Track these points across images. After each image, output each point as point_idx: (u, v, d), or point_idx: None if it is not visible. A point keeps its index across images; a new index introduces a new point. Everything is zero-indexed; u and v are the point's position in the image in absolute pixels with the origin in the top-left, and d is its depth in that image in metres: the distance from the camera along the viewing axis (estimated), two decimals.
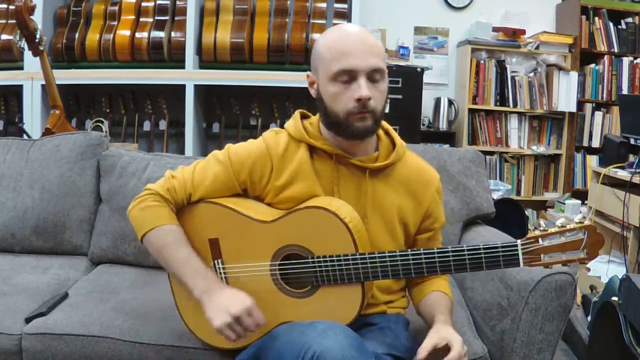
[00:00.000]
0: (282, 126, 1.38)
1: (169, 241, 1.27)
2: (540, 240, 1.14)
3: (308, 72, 1.31)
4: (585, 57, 4.00)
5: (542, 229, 1.15)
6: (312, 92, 1.31)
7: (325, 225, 1.20)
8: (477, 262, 1.17)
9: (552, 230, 1.14)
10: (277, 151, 1.30)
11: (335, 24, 3.60)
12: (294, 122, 1.34)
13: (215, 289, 1.22)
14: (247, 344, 1.29)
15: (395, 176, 1.34)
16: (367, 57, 1.19)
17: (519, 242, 1.15)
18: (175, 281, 1.35)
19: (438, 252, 1.18)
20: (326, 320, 1.13)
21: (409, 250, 1.21)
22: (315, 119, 1.36)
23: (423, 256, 1.18)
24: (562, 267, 1.25)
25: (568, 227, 1.13)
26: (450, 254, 1.18)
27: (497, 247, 1.16)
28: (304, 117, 1.38)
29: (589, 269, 2.66)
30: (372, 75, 1.20)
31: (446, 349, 1.17)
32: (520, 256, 1.15)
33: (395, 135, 1.37)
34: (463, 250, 1.17)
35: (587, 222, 1.13)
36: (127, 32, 3.56)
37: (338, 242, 1.20)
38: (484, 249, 1.16)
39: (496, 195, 3.15)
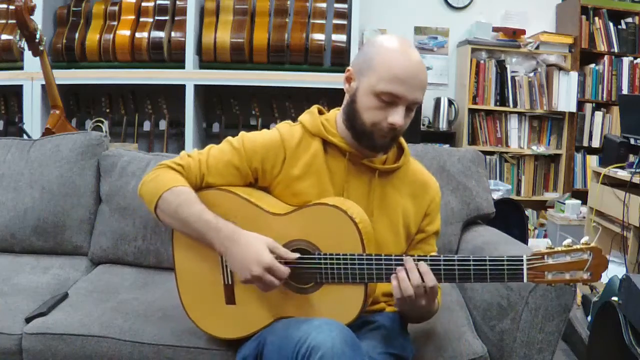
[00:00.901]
0: None
1: (181, 201, 1.26)
2: (545, 257, 1.15)
3: (349, 67, 1.30)
4: (585, 57, 4.00)
5: (548, 246, 1.16)
6: (346, 87, 1.31)
7: (336, 223, 1.22)
8: (482, 273, 1.17)
9: (559, 248, 1.15)
10: (291, 142, 1.32)
11: (335, 24, 3.67)
12: (311, 117, 1.36)
13: (231, 241, 1.21)
14: (248, 336, 1.30)
15: (400, 178, 1.37)
16: (415, 90, 1.22)
17: (524, 257, 1.16)
18: (179, 269, 1.35)
19: (444, 260, 1.18)
20: (324, 317, 1.15)
21: (415, 255, 1.21)
22: (331, 115, 1.37)
23: (429, 263, 1.18)
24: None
25: (574, 247, 1.15)
26: (456, 263, 1.18)
27: (502, 261, 1.16)
28: (319, 112, 1.40)
29: None
30: (410, 106, 1.24)
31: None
32: (525, 271, 1.15)
33: (402, 139, 1.39)
34: (469, 261, 1.17)
35: (593, 244, 1.14)
36: (127, 32, 3.56)
37: (346, 241, 1.21)
38: (490, 261, 1.16)
39: (496, 195, 3.15)
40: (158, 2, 3.64)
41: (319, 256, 1.22)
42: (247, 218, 1.27)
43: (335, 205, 1.23)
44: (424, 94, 1.26)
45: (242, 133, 1.36)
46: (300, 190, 1.30)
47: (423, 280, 1.15)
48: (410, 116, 1.26)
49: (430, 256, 1.20)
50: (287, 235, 1.25)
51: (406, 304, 1.18)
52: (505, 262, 1.16)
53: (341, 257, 1.21)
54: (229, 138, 1.36)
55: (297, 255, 1.22)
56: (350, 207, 1.24)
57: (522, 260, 1.15)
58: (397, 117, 1.21)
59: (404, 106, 1.22)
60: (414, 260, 1.18)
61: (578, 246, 1.15)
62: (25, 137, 2.62)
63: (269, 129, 1.39)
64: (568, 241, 1.16)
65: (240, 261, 1.19)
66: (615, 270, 2.49)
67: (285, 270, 1.19)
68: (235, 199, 1.29)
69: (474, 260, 1.17)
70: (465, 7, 4.15)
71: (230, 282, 1.30)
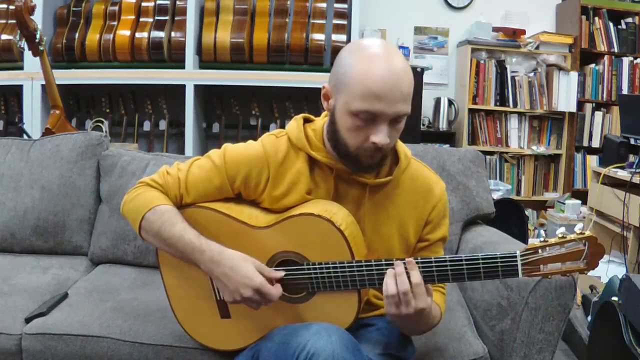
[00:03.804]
0: (282, 126, 1.34)
1: (163, 220, 1.22)
2: (540, 250, 1.12)
3: (325, 84, 1.21)
4: (585, 57, 4.01)
5: (542, 239, 1.13)
6: (325, 105, 1.21)
7: (321, 232, 1.17)
8: (475, 272, 1.14)
9: (553, 240, 1.12)
10: (275, 158, 1.25)
11: (335, 24, 3.67)
12: (296, 129, 1.27)
13: (217, 264, 1.18)
14: (245, 346, 1.29)
15: (397, 188, 1.28)
16: (396, 104, 1.10)
17: (518, 252, 1.13)
18: (168, 285, 1.34)
19: (436, 261, 1.15)
20: (321, 322, 1.12)
21: (406, 258, 1.16)
22: (319, 125, 1.28)
23: (420, 265, 1.14)
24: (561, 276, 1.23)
25: (568, 237, 1.11)
26: (448, 263, 1.14)
27: (495, 258, 1.13)
28: (307, 120, 1.31)
29: None
30: (396, 119, 1.14)
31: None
32: (519, 267, 1.12)
33: (399, 145, 1.29)
34: (461, 260, 1.14)
35: (588, 233, 1.11)
36: (127, 32, 3.57)
37: (334, 249, 1.18)
38: (483, 259, 1.13)
39: (496, 195, 3.15)
40: (158, 2, 3.65)
41: (308, 266, 1.20)
42: (230, 234, 1.24)
43: (319, 215, 1.17)
44: (409, 104, 1.13)
45: (226, 146, 1.29)
46: (287, 205, 1.26)
47: (410, 282, 1.11)
48: (399, 128, 1.17)
49: (422, 258, 1.16)
50: (273, 248, 1.22)
51: (397, 309, 1.12)
52: (499, 259, 1.13)
53: (330, 265, 1.18)
54: (212, 153, 1.30)
55: (283, 273, 1.19)
56: (335, 212, 1.19)
57: (515, 257, 1.12)
58: (380, 136, 1.12)
59: (386, 122, 1.12)
60: (405, 260, 1.14)
61: (572, 236, 1.11)
62: (25, 137, 2.62)
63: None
64: (561, 230, 1.13)
65: (229, 283, 1.16)
66: (615, 270, 2.50)
67: (275, 291, 1.17)
68: (215, 215, 1.25)
69: (466, 260, 1.14)
70: (465, 7, 4.15)
71: (222, 297, 1.27)
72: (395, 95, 1.10)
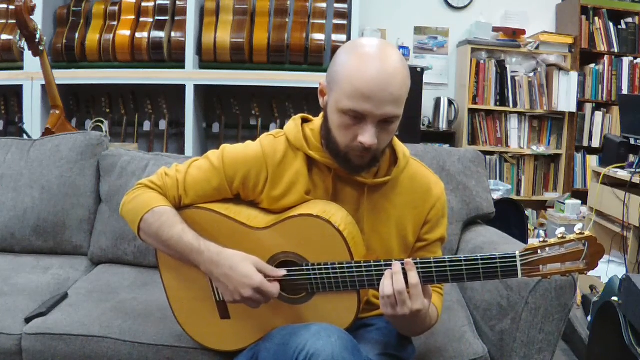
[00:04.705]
0: (282, 126, 1.34)
1: (162, 222, 1.22)
2: (539, 251, 1.12)
3: (321, 81, 1.21)
4: (585, 57, 4.01)
5: (542, 239, 1.13)
6: (321, 101, 1.22)
7: (320, 233, 1.17)
8: (475, 272, 1.13)
9: (552, 241, 1.12)
10: (274, 159, 1.25)
11: (335, 24, 3.67)
12: (294, 129, 1.27)
13: (216, 264, 1.18)
14: (244, 347, 1.29)
15: (396, 187, 1.28)
16: (384, 105, 1.09)
17: (517, 253, 1.12)
18: (168, 287, 1.34)
19: (435, 262, 1.15)
20: (321, 323, 1.12)
21: (406, 259, 1.16)
22: (317, 125, 1.28)
23: (420, 265, 1.14)
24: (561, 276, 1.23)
25: (568, 237, 1.11)
26: (447, 264, 1.14)
27: (495, 259, 1.12)
28: (305, 120, 1.31)
29: None
30: (387, 120, 1.13)
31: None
32: (519, 268, 1.12)
33: (398, 145, 1.29)
34: (460, 261, 1.14)
35: (587, 233, 1.11)
36: (127, 32, 3.57)
37: (333, 250, 1.18)
38: (482, 260, 1.13)
39: (496, 195, 3.15)
40: (158, 2, 3.65)
41: (308, 267, 1.19)
42: (229, 235, 1.23)
43: (318, 216, 1.17)
44: (401, 106, 1.12)
45: (224, 147, 1.29)
46: (286, 206, 1.26)
47: (408, 282, 1.10)
48: (390, 130, 1.16)
49: (421, 258, 1.16)
50: (272, 249, 1.22)
51: (393, 310, 1.11)
52: (498, 260, 1.12)
53: (330, 266, 1.17)
54: (210, 154, 1.29)
55: (284, 272, 1.19)
56: (334, 213, 1.20)
57: (514, 257, 1.12)
58: (367, 136, 1.11)
59: (374, 123, 1.11)
60: (403, 262, 1.13)
61: (572, 236, 1.11)
62: (25, 137, 2.62)
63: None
64: (561, 230, 1.12)
65: (228, 284, 1.16)
66: (615, 270, 2.50)
67: (275, 289, 1.17)
68: (214, 217, 1.25)
69: (465, 261, 1.13)
70: (465, 7, 4.15)
71: (221, 298, 1.27)
72: (383, 96, 1.09)
